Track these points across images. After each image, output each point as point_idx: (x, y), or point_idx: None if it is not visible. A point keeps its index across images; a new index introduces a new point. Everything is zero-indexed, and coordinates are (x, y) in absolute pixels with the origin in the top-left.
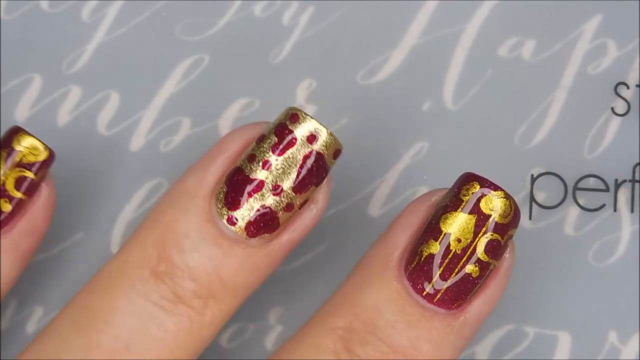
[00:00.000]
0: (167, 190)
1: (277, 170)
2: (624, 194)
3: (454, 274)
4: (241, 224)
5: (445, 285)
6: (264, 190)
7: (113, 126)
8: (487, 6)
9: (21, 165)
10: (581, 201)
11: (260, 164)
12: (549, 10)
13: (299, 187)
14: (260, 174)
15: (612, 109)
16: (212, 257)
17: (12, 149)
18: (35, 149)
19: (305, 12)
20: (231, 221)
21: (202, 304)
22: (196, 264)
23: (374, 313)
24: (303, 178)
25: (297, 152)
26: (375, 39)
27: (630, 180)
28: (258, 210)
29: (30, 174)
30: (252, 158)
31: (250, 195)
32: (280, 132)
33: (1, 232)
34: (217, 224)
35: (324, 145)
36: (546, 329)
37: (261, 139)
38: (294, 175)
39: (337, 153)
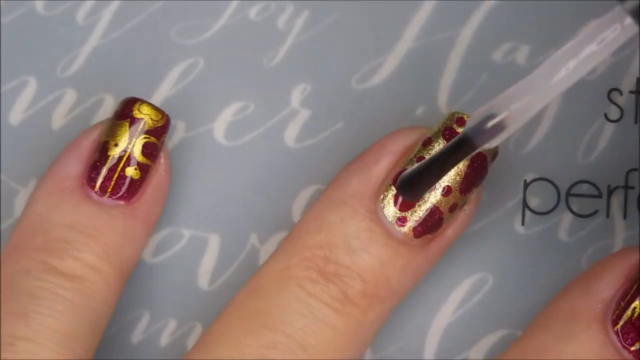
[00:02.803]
0: (325, 193)
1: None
2: (617, 200)
3: None
4: (410, 224)
5: None
6: (433, 191)
7: None
8: (482, 11)
9: (145, 132)
10: (574, 207)
11: None
12: (544, 16)
13: (464, 188)
14: None
15: (606, 115)
16: (382, 257)
17: (134, 118)
18: (156, 115)
19: (300, 16)
20: (401, 222)
21: (366, 303)
22: (366, 264)
23: None
24: (470, 179)
25: None
26: (370, 43)
27: (623, 187)
28: (428, 211)
29: (154, 140)
30: (420, 160)
31: None
32: (449, 135)
33: (135, 201)
34: (385, 225)
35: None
36: None
37: (428, 142)
38: (461, 175)
39: (494, 156)
